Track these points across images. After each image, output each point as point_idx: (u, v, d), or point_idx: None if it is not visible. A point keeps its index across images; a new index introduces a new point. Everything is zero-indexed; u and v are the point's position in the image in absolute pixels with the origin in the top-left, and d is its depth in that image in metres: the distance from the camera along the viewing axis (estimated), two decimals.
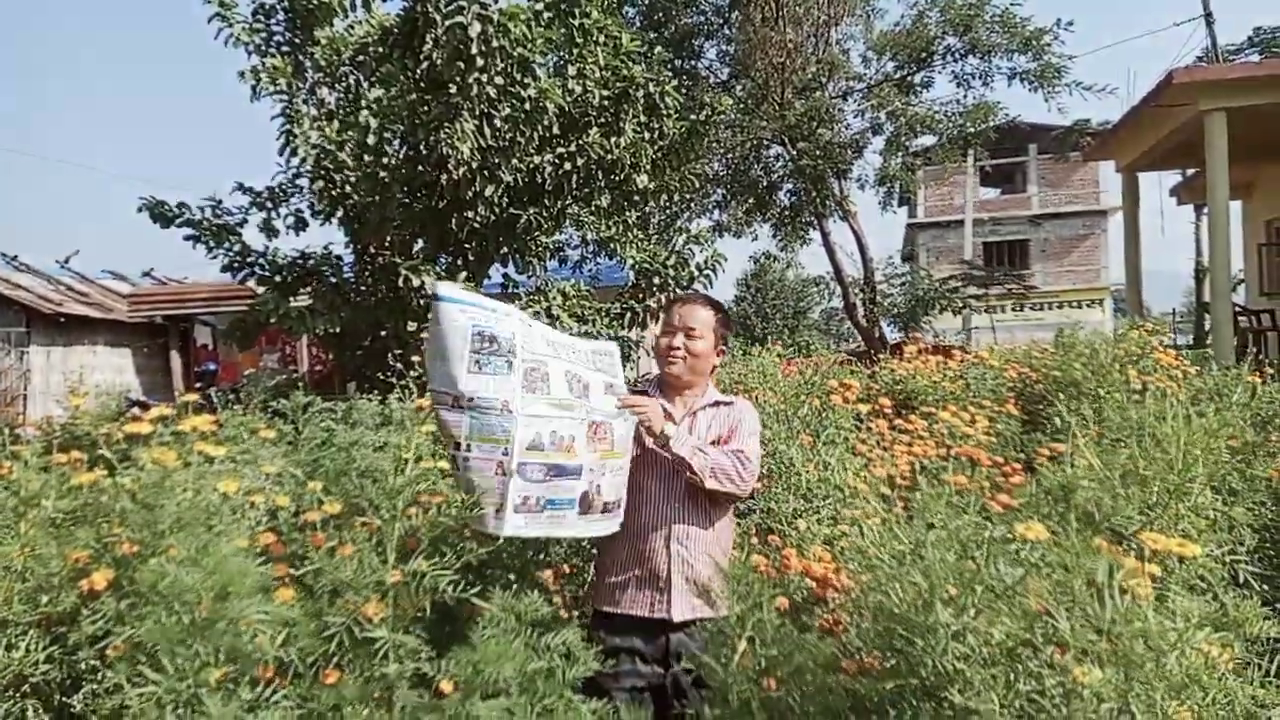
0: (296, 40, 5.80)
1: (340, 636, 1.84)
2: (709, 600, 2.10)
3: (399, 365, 4.00)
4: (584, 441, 2.01)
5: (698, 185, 9.86)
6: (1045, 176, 31.64)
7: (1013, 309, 26.51)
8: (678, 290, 6.35)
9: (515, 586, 1.96)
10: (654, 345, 2.51)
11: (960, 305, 16.94)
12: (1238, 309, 11.17)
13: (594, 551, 2.68)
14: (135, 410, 8.01)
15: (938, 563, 1.47)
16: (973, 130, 12.89)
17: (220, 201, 6.20)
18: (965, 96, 12.83)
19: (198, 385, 14.84)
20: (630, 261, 6.66)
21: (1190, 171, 13.46)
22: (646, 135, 5.99)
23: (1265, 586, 2.41)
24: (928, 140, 14.00)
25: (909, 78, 13.18)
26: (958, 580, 1.45)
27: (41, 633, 2.11)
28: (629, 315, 6.40)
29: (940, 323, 18.61)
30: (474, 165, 5.26)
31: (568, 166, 5.64)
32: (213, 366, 16.34)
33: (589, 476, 2.02)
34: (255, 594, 1.55)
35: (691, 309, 2.43)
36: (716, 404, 2.47)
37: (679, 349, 2.37)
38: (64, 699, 2.04)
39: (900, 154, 13.89)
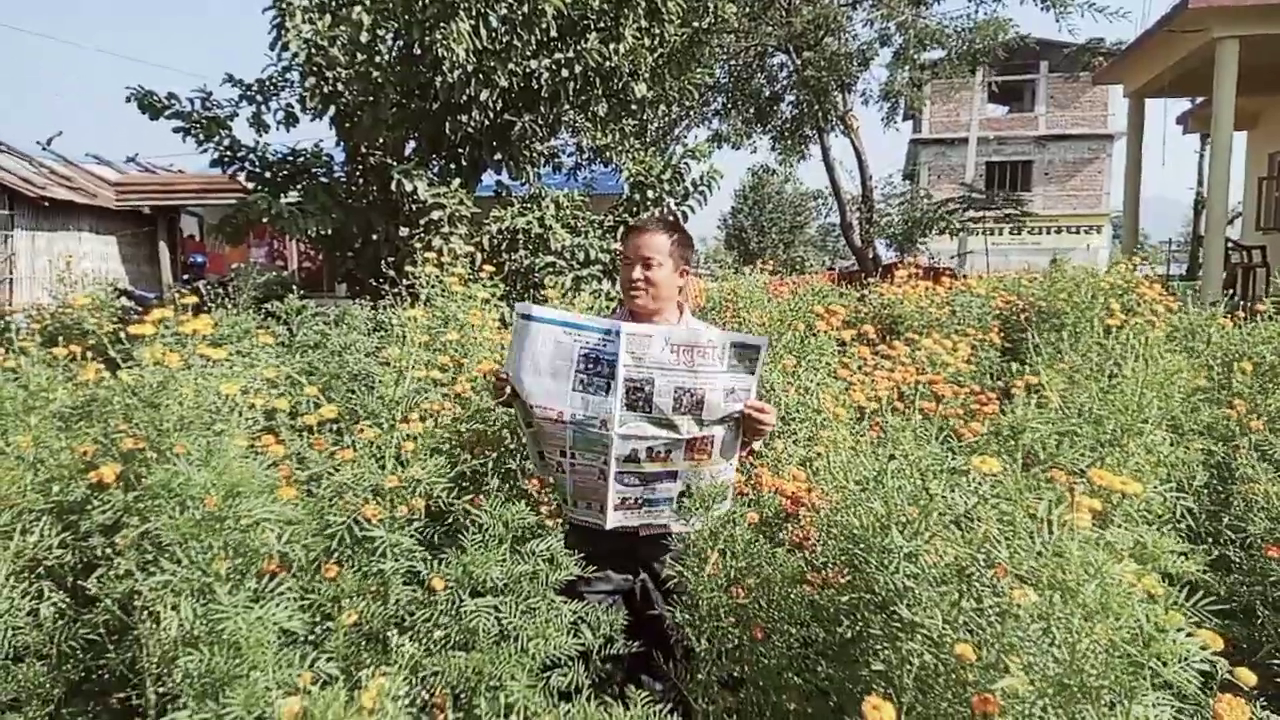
0: None
1: (341, 535, 1.97)
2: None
3: (391, 272, 4.04)
4: (681, 454, 2.15)
5: (698, 95, 9.66)
6: (1054, 96, 30.95)
7: (1010, 232, 26.39)
8: (672, 204, 6.33)
9: (503, 495, 2.08)
10: (622, 277, 2.52)
11: (957, 228, 16.88)
12: (1230, 244, 11.21)
13: None
14: (124, 300, 8.04)
15: (895, 491, 1.58)
16: (981, 46, 12.56)
17: (210, 93, 6.08)
18: (976, 11, 12.46)
19: (185, 277, 14.78)
20: (626, 174, 6.61)
21: (1199, 99, 13.24)
22: (647, 42, 5.85)
23: (1210, 522, 2.57)
24: (936, 55, 13.65)
25: None
26: (914, 505, 1.57)
27: (54, 519, 2.23)
28: (622, 228, 6.40)
29: (936, 244, 18.56)
30: (469, 68, 5.16)
31: (565, 73, 5.53)
32: (200, 258, 16.23)
33: (684, 479, 2.18)
34: (261, 494, 1.65)
35: (647, 238, 2.41)
36: None
37: (639, 280, 2.38)
38: (78, 581, 2.17)
39: (907, 67, 13.56)
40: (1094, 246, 29.87)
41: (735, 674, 1.97)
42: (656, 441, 2.10)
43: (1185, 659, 1.12)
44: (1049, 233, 30.46)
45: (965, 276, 8.35)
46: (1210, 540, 2.52)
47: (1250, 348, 3.15)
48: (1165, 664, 1.10)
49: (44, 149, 17.10)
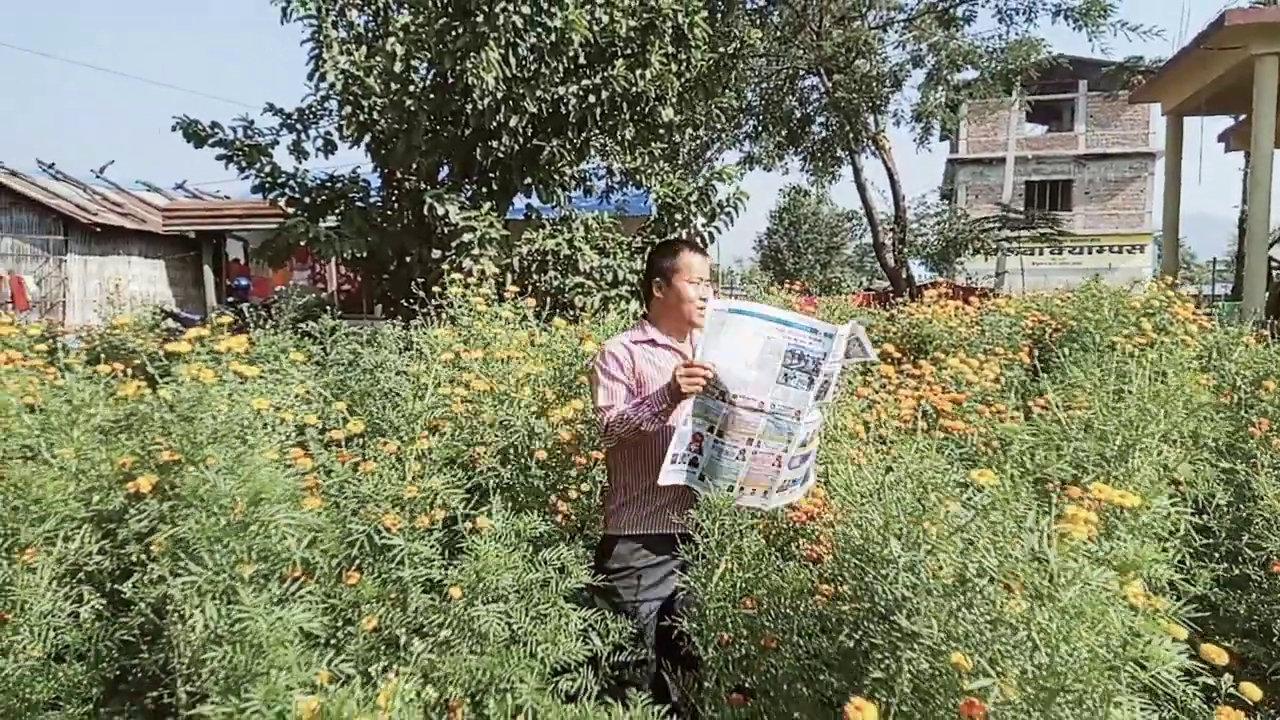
0: None
1: (361, 542, 2.05)
2: None
3: (421, 293, 4.16)
4: (818, 433, 2.36)
5: (725, 119, 9.77)
6: (1094, 115, 30.55)
7: (1050, 252, 26.00)
8: (698, 226, 6.41)
9: (518, 507, 2.15)
10: (681, 294, 2.57)
11: (993, 248, 16.72)
12: (1275, 263, 10.97)
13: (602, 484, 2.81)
14: (170, 322, 8.29)
15: (894, 503, 1.62)
16: (1014, 67, 12.52)
17: (252, 122, 6.32)
18: (1008, 32, 12.42)
19: (230, 300, 15.18)
20: (654, 196, 6.71)
21: (1241, 116, 13.01)
22: (673, 68, 5.96)
23: (1230, 541, 2.55)
24: (969, 76, 13.63)
25: (951, 10, 12.76)
26: (912, 516, 1.60)
27: (94, 528, 2.34)
28: (666, 246, 6.46)
29: (973, 264, 18.37)
30: (499, 95, 5.30)
31: (592, 99, 5.65)
32: (245, 281, 16.64)
33: (813, 459, 2.39)
34: (285, 501, 1.74)
35: (702, 261, 2.58)
36: None
37: (707, 300, 2.50)
38: (115, 586, 2.28)
39: (941, 88, 13.56)
40: (1137, 266, 29.30)
41: (745, 684, 2.00)
42: (817, 423, 2.28)
43: (1164, 664, 1.14)
44: (1090, 252, 29.95)
45: (996, 296, 8.29)
46: (1231, 560, 2.50)
47: (1276, 366, 3.12)
48: (1144, 668, 1.12)
49: (97, 176, 17.80)
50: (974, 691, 1.20)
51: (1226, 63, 9.69)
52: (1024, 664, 1.22)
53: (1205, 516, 2.45)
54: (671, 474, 2.32)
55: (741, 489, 2.28)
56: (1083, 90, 29.62)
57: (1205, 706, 1.57)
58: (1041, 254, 25.11)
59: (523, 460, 2.57)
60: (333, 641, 1.95)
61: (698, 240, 6.39)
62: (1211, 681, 1.54)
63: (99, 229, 15.09)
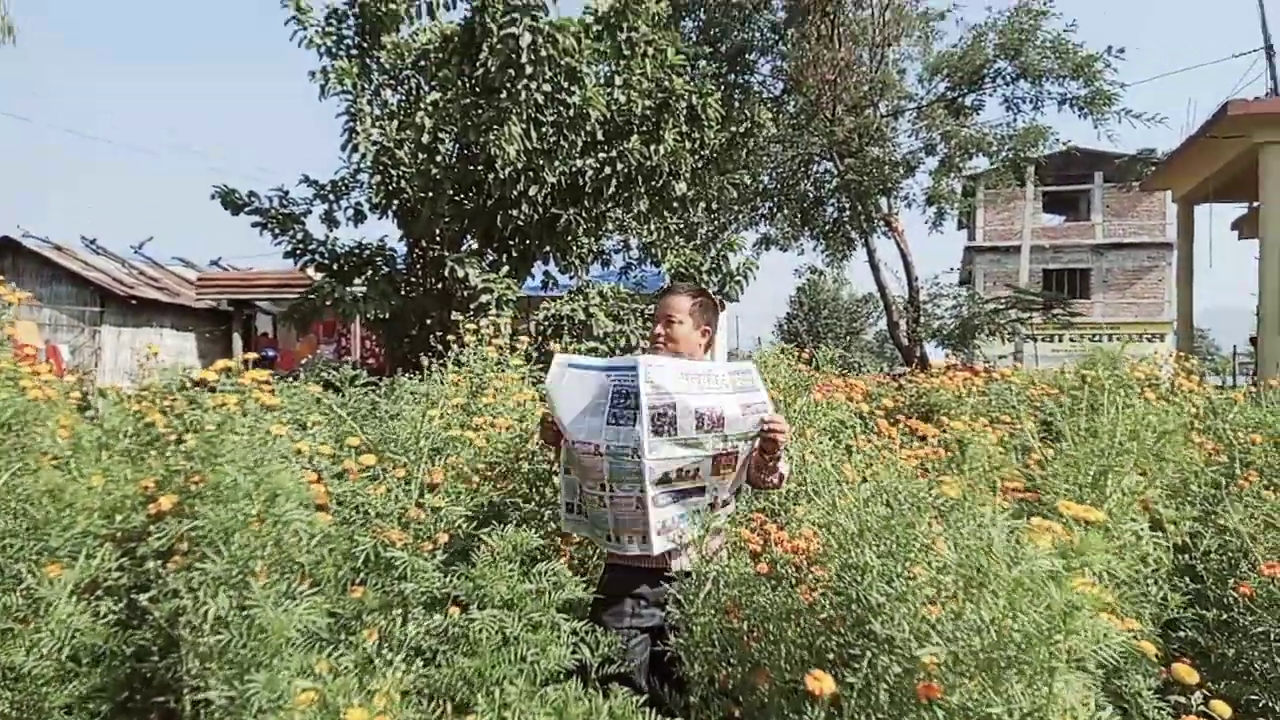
0: (364, 44, 6.25)
1: (367, 556, 2.15)
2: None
3: (439, 347, 4.34)
4: (708, 469, 2.34)
5: (737, 195, 10.12)
6: (1110, 205, 31.03)
7: (1070, 339, 26.05)
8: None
9: (516, 525, 2.24)
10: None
11: (1009, 332, 16.80)
12: None
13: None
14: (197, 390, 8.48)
15: (869, 515, 1.71)
16: (1023, 155, 12.89)
17: (287, 192, 6.67)
18: (1015, 120, 12.85)
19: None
20: (668, 266, 6.95)
21: (1256, 204, 13.22)
22: (687, 145, 6.28)
23: (1217, 587, 2.58)
24: (982, 163, 14.03)
25: (959, 99, 13.25)
26: (882, 528, 1.70)
27: (115, 546, 2.46)
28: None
29: (990, 349, 18.42)
30: (519, 166, 5.61)
31: (608, 171, 5.95)
32: (271, 353, 17.02)
33: (711, 494, 2.38)
34: (299, 501, 1.86)
35: (670, 299, 2.72)
36: None
37: (661, 335, 2.65)
38: (132, 598, 2.37)
39: (953, 175, 13.95)
40: (1156, 354, 29.19)
41: (730, 709, 2.05)
42: (685, 460, 2.26)
43: (1104, 638, 1.21)
44: (1110, 340, 29.93)
45: (1000, 370, 8.39)
46: (1220, 605, 2.53)
47: (1264, 424, 3.19)
48: (1075, 635, 1.19)
49: (136, 252, 18.54)
50: (928, 665, 1.28)
51: (1233, 151, 9.96)
52: (976, 644, 1.30)
53: (1189, 557, 2.50)
54: (569, 523, 2.47)
55: (619, 537, 2.31)
56: (1098, 181, 30.17)
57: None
58: (1061, 340, 25.15)
59: (526, 491, 2.68)
60: (335, 646, 2.03)
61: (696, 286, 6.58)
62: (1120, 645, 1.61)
63: (134, 301, 15.63)
